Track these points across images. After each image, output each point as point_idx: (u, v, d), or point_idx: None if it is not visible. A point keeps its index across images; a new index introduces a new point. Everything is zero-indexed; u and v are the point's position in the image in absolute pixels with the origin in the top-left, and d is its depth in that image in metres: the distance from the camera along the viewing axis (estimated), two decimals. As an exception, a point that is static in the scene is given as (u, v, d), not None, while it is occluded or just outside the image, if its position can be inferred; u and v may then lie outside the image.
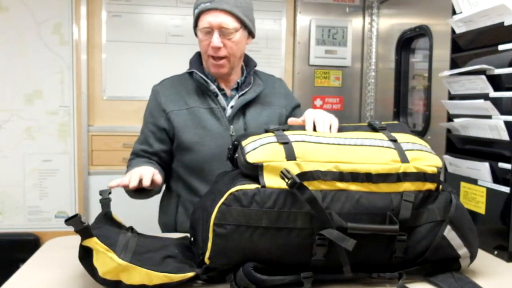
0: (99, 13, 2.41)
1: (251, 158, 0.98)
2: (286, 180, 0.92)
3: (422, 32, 2.03)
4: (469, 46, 1.51)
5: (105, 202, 1.12)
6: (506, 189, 1.27)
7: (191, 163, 1.40)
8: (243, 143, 1.04)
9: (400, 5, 2.33)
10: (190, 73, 1.45)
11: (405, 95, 2.28)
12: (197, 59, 1.48)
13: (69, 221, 0.89)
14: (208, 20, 1.34)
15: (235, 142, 1.09)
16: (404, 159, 1.02)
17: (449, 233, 1.02)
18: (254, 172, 0.97)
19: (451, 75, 1.49)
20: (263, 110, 1.45)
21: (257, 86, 1.46)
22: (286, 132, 1.05)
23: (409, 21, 2.17)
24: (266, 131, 1.09)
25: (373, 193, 0.99)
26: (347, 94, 2.64)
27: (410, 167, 1.01)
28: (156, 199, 1.58)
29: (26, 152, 2.37)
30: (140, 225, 1.26)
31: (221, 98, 1.42)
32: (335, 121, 1.16)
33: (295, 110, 1.54)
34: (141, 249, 1.03)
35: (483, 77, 1.33)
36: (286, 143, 1.00)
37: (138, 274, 0.92)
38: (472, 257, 1.06)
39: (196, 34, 1.44)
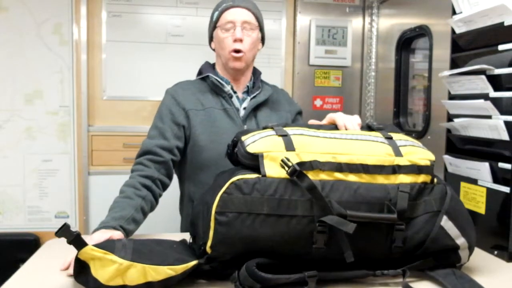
0: (99, 13, 2.41)
1: (252, 148, 1.01)
2: (286, 169, 0.95)
3: (422, 32, 2.03)
4: (469, 46, 1.51)
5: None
6: (506, 189, 1.27)
7: (204, 161, 1.43)
8: (243, 138, 1.07)
9: (400, 5, 2.33)
10: (202, 79, 1.53)
11: (405, 95, 2.28)
12: (208, 66, 1.56)
13: (59, 233, 0.86)
14: (231, 15, 1.44)
15: (235, 139, 1.12)
16: (398, 153, 1.07)
17: (446, 223, 1.04)
18: (254, 162, 1.00)
19: (451, 75, 1.49)
20: (272, 114, 1.53)
21: (267, 90, 1.55)
22: (284, 128, 1.09)
23: (409, 21, 2.16)
24: (264, 128, 1.12)
25: (370, 184, 1.02)
26: (347, 94, 2.64)
27: (403, 160, 1.06)
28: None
29: (26, 152, 2.37)
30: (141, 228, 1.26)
31: (235, 99, 1.49)
32: (359, 119, 1.23)
33: (297, 116, 1.62)
34: (140, 246, 1.02)
35: (483, 77, 1.33)
36: (285, 136, 1.04)
37: (141, 271, 0.91)
38: (471, 247, 1.08)
39: (211, 40, 1.52)
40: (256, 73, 1.59)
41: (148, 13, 2.45)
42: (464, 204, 1.12)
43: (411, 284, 1.00)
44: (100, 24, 2.42)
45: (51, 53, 2.35)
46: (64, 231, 0.86)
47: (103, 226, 1.17)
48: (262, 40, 1.56)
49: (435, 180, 1.09)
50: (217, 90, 1.48)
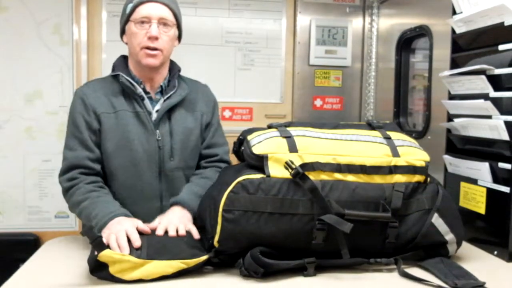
0: (99, 13, 2.41)
1: (257, 150, 1.07)
2: (290, 170, 1.02)
3: (422, 32, 2.02)
4: (469, 46, 1.51)
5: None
6: (506, 189, 1.27)
7: (112, 169, 1.35)
8: (249, 137, 1.13)
9: (400, 5, 2.33)
10: (114, 76, 1.41)
11: (405, 95, 2.28)
12: (121, 62, 1.45)
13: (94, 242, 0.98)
14: (147, 10, 1.33)
15: (241, 137, 1.19)
16: (396, 154, 1.12)
17: (437, 220, 1.11)
18: (259, 162, 1.07)
19: (451, 75, 1.49)
20: (188, 115, 1.44)
21: (182, 90, 1.44)
22: (288, 128, 1.14)
23: (409, 21, 2.16)
24: (269, 127, 1.17)
25: (367, 184, 1.08)
26: (347, 94, 2.63)
27: (400, 161, 1.11)
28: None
29: (26, 152, 2.36)
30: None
31: (147, 102, 1.39)
32: (181, 227, 1.16)
33: (208, 127, 1.49)
34: (153, 242, 1.08)
35: (483, 77, 1.34)
36: (289, 137, 1.10)
37: (156, 267, 0.99)
38: (458, 242, 1.15)
39: (123, 33, 1.42)
40: (173, 69, 1.46)
41: (148, 13, 2.45)
42: (458, 202, 1.19)
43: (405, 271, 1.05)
44: (100, 24, 2.41)
45: (51, 53, 2.35)
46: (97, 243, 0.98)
47: (115, 215, 1.17)
48: (179, 37, 1.46)
49: (428, 179, 1.16)
50: (128, 91, 1.37)
